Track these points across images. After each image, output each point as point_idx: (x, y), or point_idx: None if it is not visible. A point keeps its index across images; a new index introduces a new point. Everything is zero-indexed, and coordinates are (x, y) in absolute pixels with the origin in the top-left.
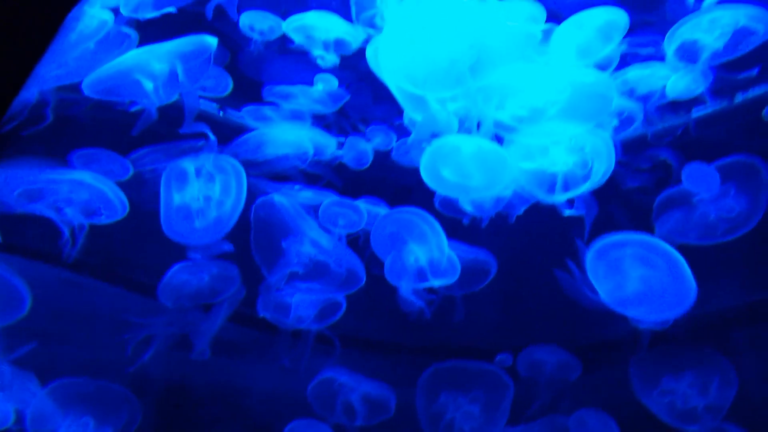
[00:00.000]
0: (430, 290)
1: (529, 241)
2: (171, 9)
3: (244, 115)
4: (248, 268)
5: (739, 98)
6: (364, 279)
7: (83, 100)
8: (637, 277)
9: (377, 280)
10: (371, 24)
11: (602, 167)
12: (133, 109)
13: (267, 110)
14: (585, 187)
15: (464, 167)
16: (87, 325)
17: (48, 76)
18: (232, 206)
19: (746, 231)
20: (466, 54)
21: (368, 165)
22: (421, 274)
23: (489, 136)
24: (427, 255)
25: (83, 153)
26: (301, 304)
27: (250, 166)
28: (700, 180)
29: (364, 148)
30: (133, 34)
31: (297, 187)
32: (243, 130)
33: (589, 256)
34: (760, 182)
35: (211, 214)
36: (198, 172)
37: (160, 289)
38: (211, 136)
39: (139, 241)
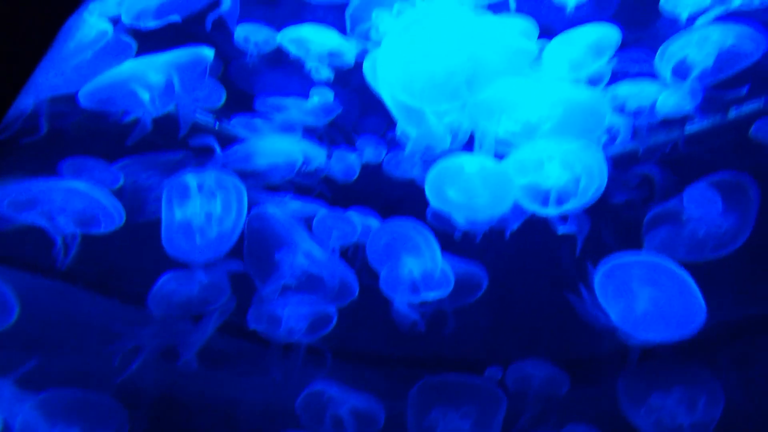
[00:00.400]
0: (423, 303)
1: (519, 255)
2: (175, 18)
3: (235, 126)
4: (239, 279)
5: (728, 116)
6: (357, 291)
7: (78, 110)
8: (646, 297)
9: (368, 292)
10: (366, 37)
11: (594, 184)
12: (126, 119)
13: (258, 121)
14: (577, 204)
15: (469, 187)
16: (76, 335)
17: (44, 85)
18: (233, 223)
19: (734, 248)
20: (464, 67)
21: (355, 177)
22: (415, 287)
23: (491, 153)
24: (421, 267)
25: (73, 162)
26: (292, 317)
27: (239, 176)
28: (701, 202)
29: (351, 160)
30: (132, 43)
31: (287, 197)
32: (233, 140)
33: (598, 278)
34: (748, 200)
35: (212, 231)
36: (200, 188)
37: (150, 298)
38: (218, 150)
39: (128, 251)
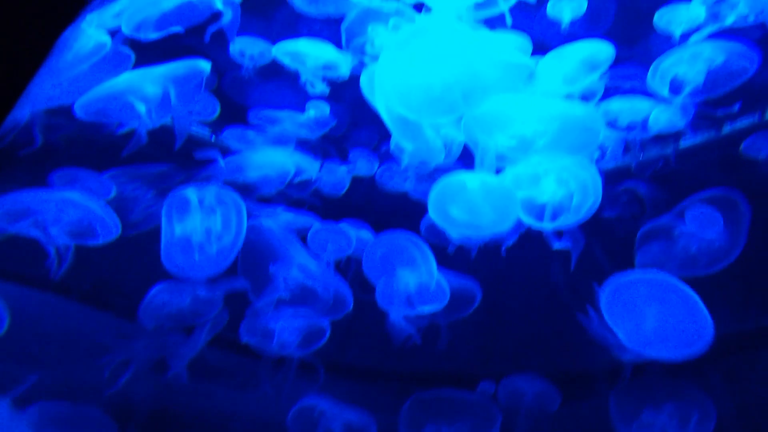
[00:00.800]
0: (418, 316)
1: (513, 269)
2: (177, 29)
3: (228, 138)
4: (232, 291)
5: (720, 132)
6: (352, 305)
7: (73, 122)
8: (653, 315)
9: (361, 306)
10: (362, 51)
11: (589, 200)
12: (121, 131)
13: (251, 133)
14: (573, 220)
15: (473, 205)
16: (67, 348)
17: (41, 96)
18: (233, 240)
19: (726, 264)
20: (461, 80)
21: (347, 190)
22: (411, 300)
23: (492, 170)
24: (417, 280)
25: (64, 173)
26: (285, 330)
27: (230, 188)
28: (704, 223)
29: (343, 173)
30: (131, 54)
31: (279, 209)
32: (226, 152)
33: (604, 297)
34: (740, 216)
35: (212, 247)
36: (200, 204)
37: (141, 309)
38: (221, 162)
39: (120, 263)
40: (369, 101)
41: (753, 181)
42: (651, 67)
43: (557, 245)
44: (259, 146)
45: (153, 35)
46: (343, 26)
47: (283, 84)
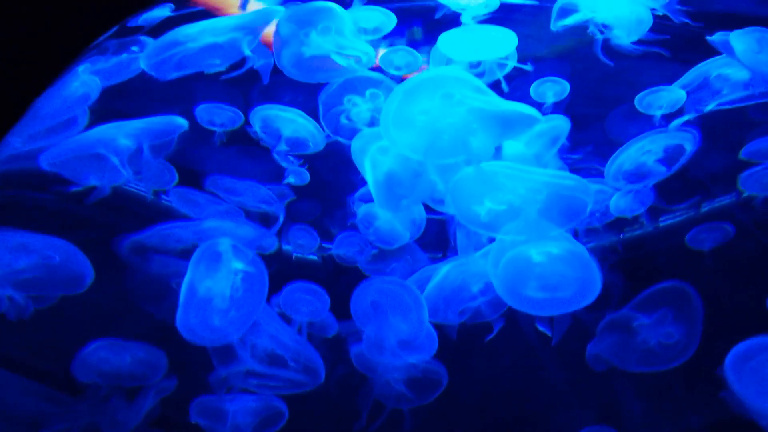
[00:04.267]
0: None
1: (481, 354)
2: (202, 68)
3: (172, 199)
4: (183, 360)
5: (673, 221)
6: (323, 376)
7: (38, 174)
8: None
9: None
10: (338, 122)
11: None
12: (72, 190)
13: (200, 198)
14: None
15: (550, 279)
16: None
17: (9, 147)
18: (252, 307)
19: (685, 359)
20: (471, 123)
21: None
22: (401, 349)
23: (540, 234)
24: (408, 328)
25: None
26: (240, 411)
27: (165, 253)
28: None
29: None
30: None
31: None
32: (174, 215)
33: (731, 378)
34: (693, 310)
35: (231, 313)
36: (229, 266)
37: (75, 363)
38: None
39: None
40: (357, 165)
41: (699, 272)
42: (613, 155)
43: (542, 327)
44: (210, 213)
45: (173, 74)
46: (321, 98)
47: (251, 153)
